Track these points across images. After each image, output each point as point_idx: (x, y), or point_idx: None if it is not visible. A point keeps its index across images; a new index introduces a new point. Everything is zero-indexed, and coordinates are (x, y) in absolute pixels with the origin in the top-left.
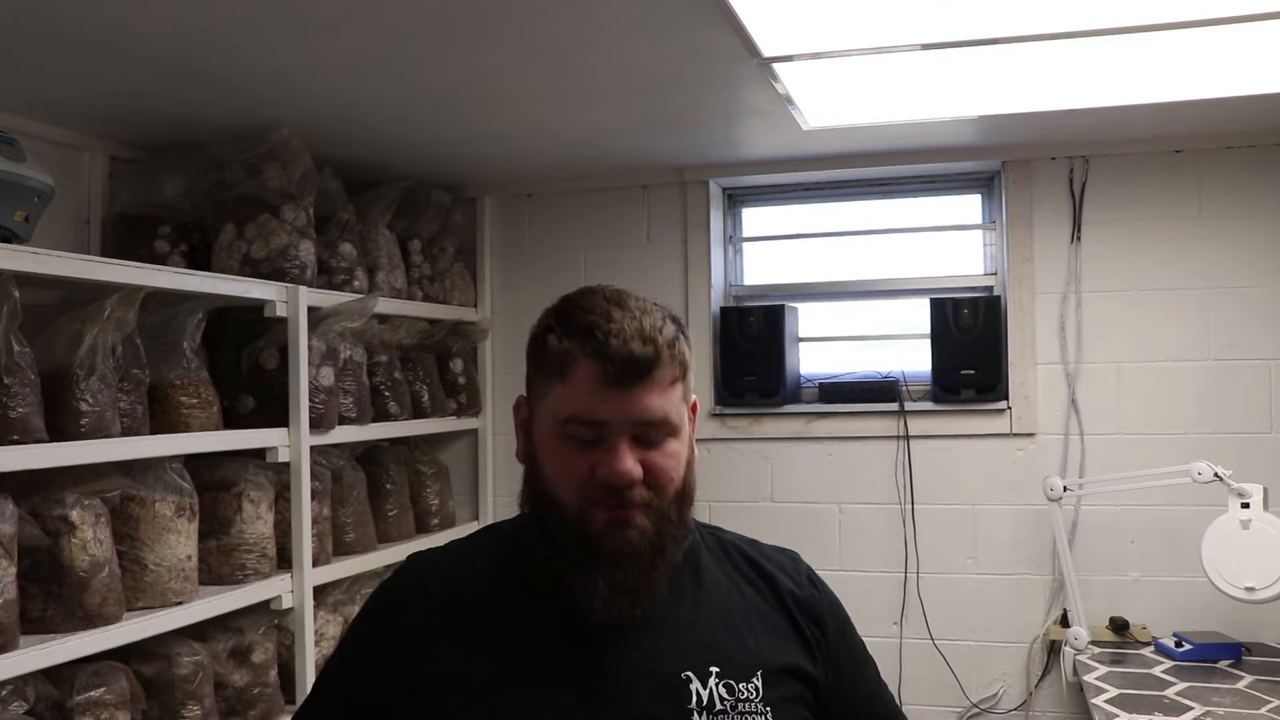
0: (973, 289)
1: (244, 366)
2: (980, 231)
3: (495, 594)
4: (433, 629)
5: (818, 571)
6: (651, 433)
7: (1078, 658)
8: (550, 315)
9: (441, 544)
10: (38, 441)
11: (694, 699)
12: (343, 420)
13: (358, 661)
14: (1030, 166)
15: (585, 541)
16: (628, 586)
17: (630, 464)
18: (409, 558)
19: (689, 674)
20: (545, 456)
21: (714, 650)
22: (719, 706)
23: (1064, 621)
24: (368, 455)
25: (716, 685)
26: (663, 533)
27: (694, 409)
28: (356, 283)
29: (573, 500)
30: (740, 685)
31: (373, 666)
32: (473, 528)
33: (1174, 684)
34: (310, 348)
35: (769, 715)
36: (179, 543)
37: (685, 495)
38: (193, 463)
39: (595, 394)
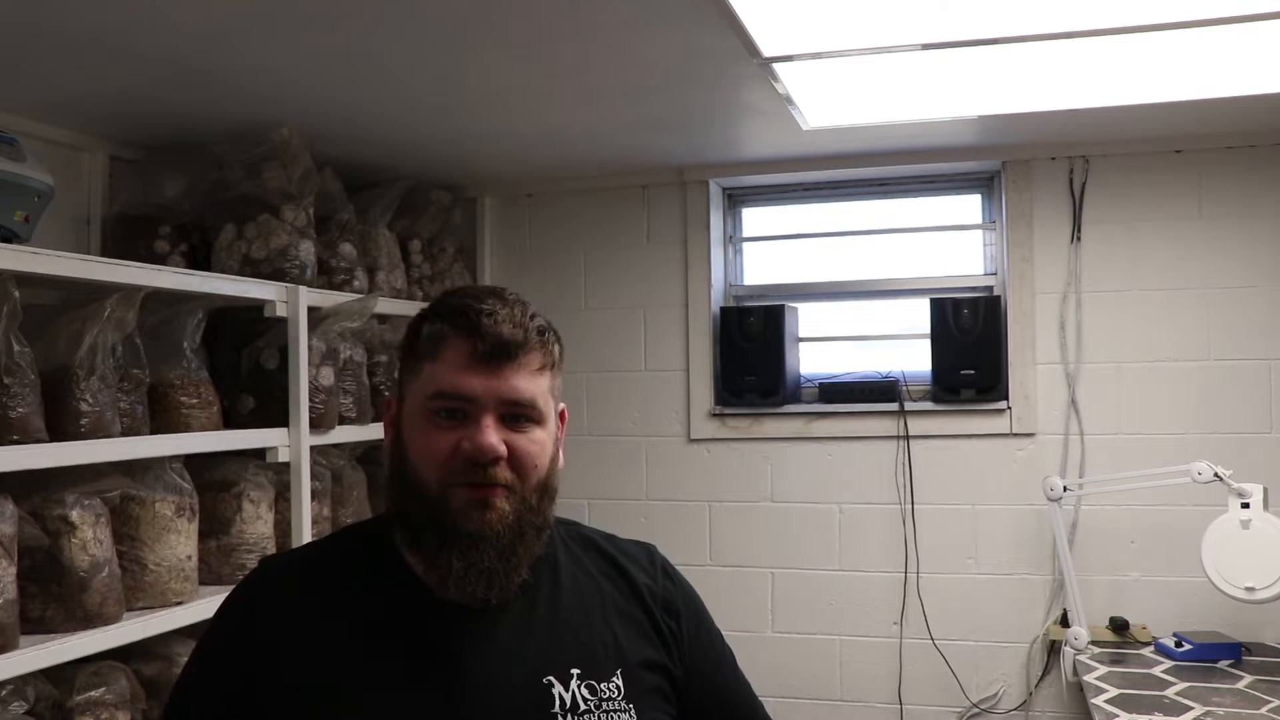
0: (973, 289)
1: (244, 366)
2: (980, 231)
3: (352, 596)
4: (291, 633)
5: (818, 570)
6: (517, 413)
7: (1078, 658)
8: (426, 309)
9: (295, 548)
10: (38, 441)
11: (557, 703)
12: (343, 420)
13: (216, 683)
14: (1030, 166)
15: (443, 519)
16: (484, 568)
17: (495, 439)
18: (261, 561)
19: (550, 678)
20: (411, 437)
21: (574, 650)
22: (583, 708)
23: (1064, 621)
24: (368, 455)
25: (579, 687)
26: (522, 519)
27: (563, 417)
28: (356, 283)
29: (434, 478)
30: (602, 685)
31: (233, 677)
32: None
33: (1174, 684)
34: (310, 348)
35: (632, 712)
36: (179, 543)
37: (547, 488)
38: (193, 463)
39: (464, 370)
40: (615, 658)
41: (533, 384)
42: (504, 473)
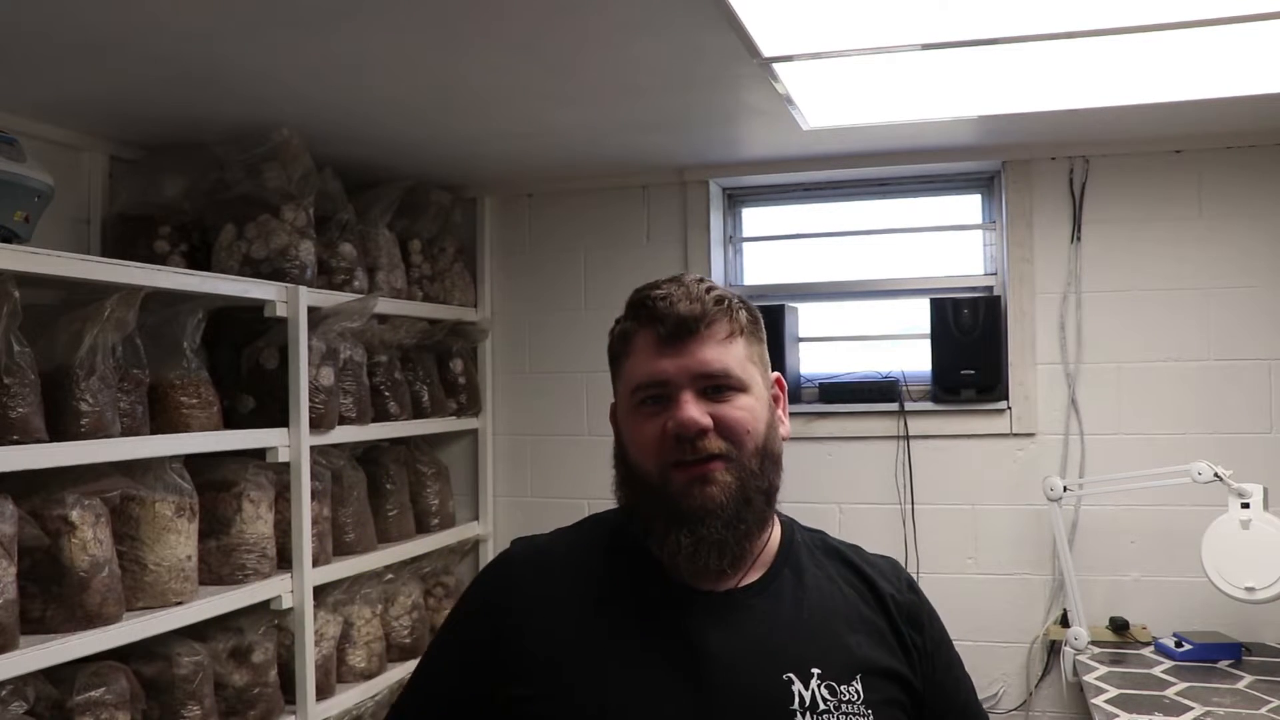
0: (973, 289)
1: (244, 366)
2: (980, 231)
3: (596, 582)
4: (542, 615)
5: None
6: (717, 384)
7: (1078, 658)
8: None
9: (546, 532)
10: (38, 441)
11: (796, 700)
12: (343, 420)
13: (464, 647)
14: (1030, 166)
15: (667, 502)
16: (714, 541)
17: (695, 411)
18: (514, 542)
19: (790, 675)
20: (627, 433)
21: (815, 650)
22: (822, 708)
23: (1064, 621)
24: (368, 455)
25: (819, 686)
26: (746, 485)
27: (780, 384)
28: (356, 283)
29: (652, 466)
30: (842, 687)
31: (482, 650)
32: (474, 528)
33: (1174, 684)
34: (310, 348)
35: (870, 717)
36: (179, 543)
37: (768, 452)
38: (193, 463)
39: (654, 356)
40: (856, 663)
41: (723, 353)
42: (715, 443)
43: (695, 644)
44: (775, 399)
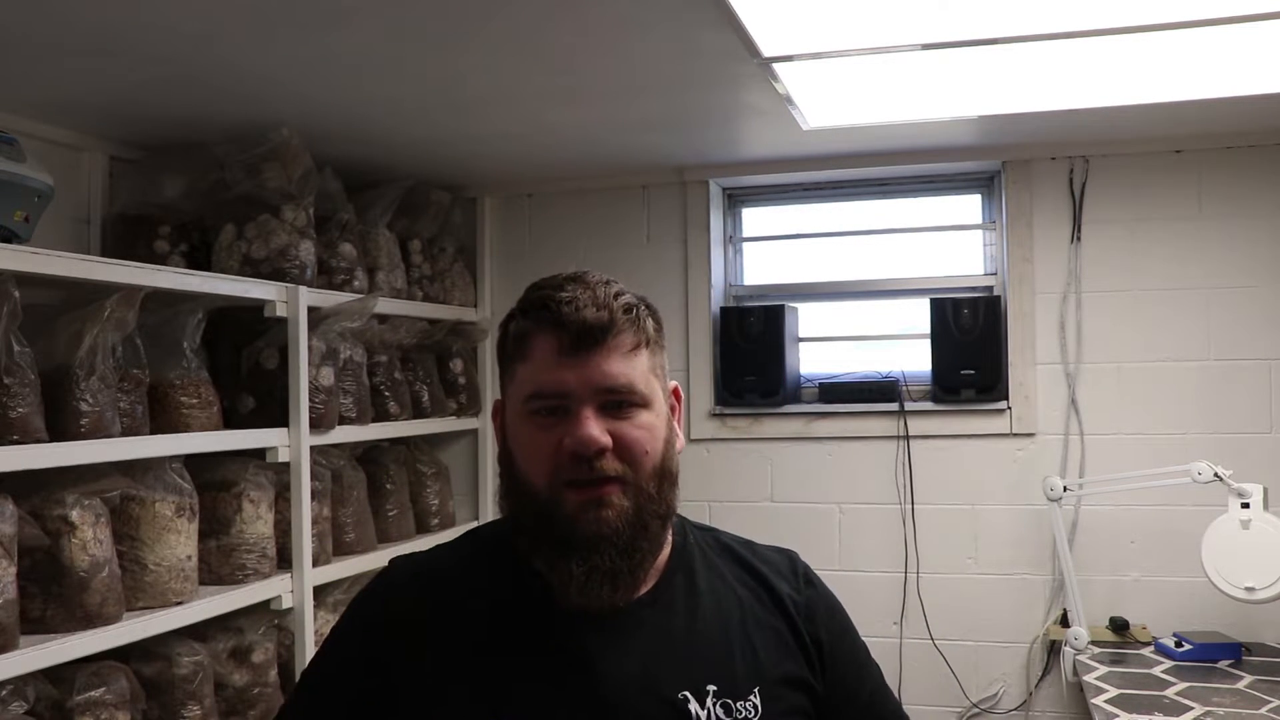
0: (973, 289)
1: (244, 366)
2: (980, 231)
3: (482, 601)
4: (420, 638)
5: (818, 571)
6: (618, 400)
7: (1078, 658)
8: (514, 307)
9: (424, 549)
10: (38, 441)
11: None
12: (343, 420)
13: (341, 667)
14: (1030, 166)
15: (558, 524)
16: (607, 570)
17: (595, 430)
18: (391, 562)
19: (686, 694)
20: (516, 442)
21: (711, 666)
22: None
23: (1064, 621)
24: (368, 455)
25: (714, 705)
26: (643, 510)
27: (676, 394)
28: (356, 283)
29: (543, 482)
30: (738, 704)
31: (357, 672)
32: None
33: (1174, 684)
34: (310, 348)
35: None
36: (179, 543)
37: (665, 472)
38: (193, 463)
39: (554, 365)
40: (754, 674)
41: (628, 366)
42: (612, 464)
43: (588, 666)
44: (672, 409)
